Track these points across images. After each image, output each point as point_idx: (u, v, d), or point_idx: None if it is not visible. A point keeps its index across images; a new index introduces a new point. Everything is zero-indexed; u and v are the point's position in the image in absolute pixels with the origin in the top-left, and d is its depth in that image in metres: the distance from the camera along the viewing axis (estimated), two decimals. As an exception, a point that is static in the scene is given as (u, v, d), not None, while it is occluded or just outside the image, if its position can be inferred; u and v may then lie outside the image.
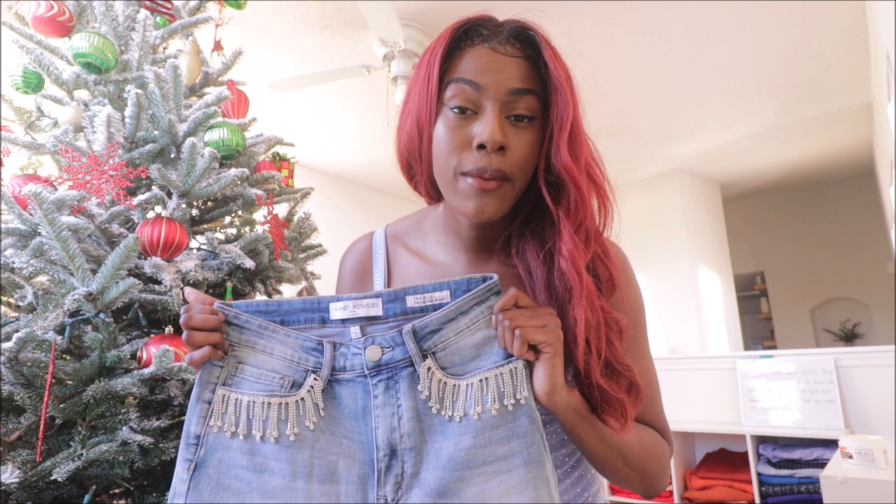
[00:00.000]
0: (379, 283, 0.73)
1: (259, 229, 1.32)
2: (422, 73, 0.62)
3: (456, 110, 0.59)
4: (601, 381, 0.56)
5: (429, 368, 0.54)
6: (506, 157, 0.58)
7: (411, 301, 0.57)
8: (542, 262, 0.61)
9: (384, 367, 0.55)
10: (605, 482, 0.75)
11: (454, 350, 0.55)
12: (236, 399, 0.53)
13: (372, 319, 0.57)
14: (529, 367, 0.56)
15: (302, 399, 0.54)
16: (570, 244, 0.57)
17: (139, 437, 0.93)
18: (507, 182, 0.59)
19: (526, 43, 0.60)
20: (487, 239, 0.68)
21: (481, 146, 0.57)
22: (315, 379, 0.54)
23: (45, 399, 0.88)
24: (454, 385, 0.54)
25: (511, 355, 0.55)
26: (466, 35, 0.61)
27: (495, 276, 0.57)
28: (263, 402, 0.53)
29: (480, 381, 0.54)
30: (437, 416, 0.53)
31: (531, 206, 0.65)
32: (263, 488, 0.51)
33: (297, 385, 0.54)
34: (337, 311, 0.57)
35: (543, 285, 0.60)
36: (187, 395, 1.13)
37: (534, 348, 0.55)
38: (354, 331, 0.56)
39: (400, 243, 0.75)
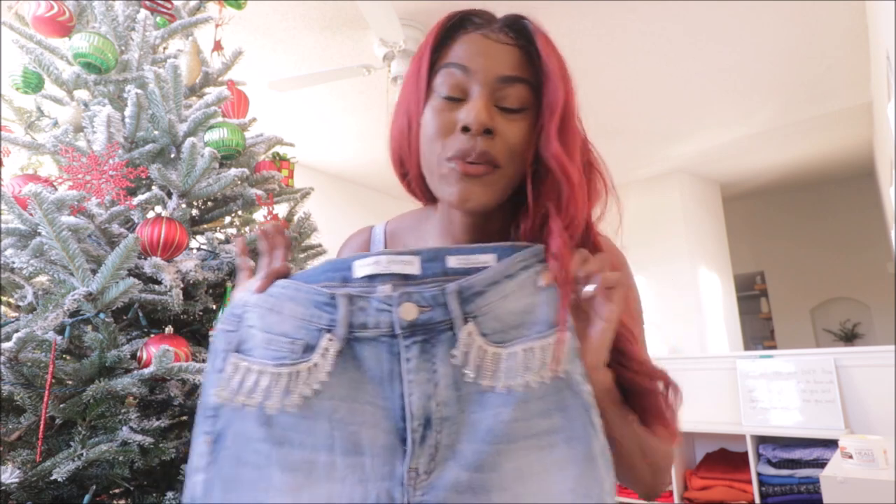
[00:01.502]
0: None
1: (259, 229, 1.32)
2: (413, 64, 0.61)
3: (445, 97, 0.57)
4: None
5: (469, 333, 0.49)
6: (493, 142, 0.55)
7: (452, 261, 0.51)
8: None
9: (420, 327, 0.49)
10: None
11: (496, 316, 0.50)
12: (247, 367, 0.49)
13: (405, 278, 0.50)
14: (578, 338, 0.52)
15: (315, 365, 0.48)
16: (558, 242, 0.53)
17: (139, 437, 0.93)
18: (496, 169, 0.56)
19: (519, 33, 0.59)
20: (482, 242, 0.66)
21: (466, 129, 0.55)
22: (330, 339, 0.49)
23: (45, 399, 0.88)
24: (495, 353, 0.49)
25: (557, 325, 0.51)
26: (460, 25, 0.61)
27: (541, 245, 0.54)
28: (273, 373, 0.48)
29: (524, 350, 0.50)
30: (475, 385, 0.49)
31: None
32: (283, 462, 0.46)
33: (310, 348, 0.49)
34: (364, 268, 0.50)
35: None
36: (187, 395, 1.13)
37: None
38: (383, 289, 0.50)
39: (399, 242, 0.74)
